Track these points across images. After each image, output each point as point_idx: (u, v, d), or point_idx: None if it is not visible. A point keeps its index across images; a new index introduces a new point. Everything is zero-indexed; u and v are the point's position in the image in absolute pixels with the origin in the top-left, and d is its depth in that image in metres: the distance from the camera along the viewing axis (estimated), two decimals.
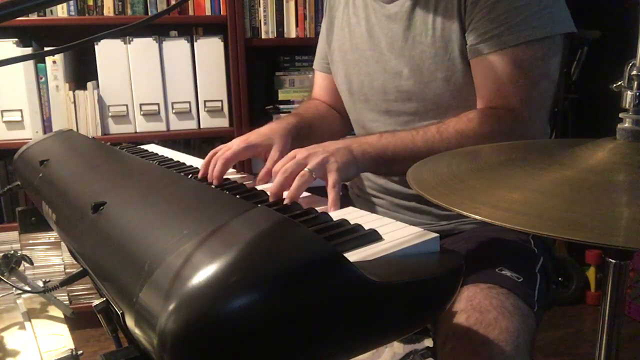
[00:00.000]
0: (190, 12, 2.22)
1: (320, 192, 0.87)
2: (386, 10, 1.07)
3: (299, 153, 0.87)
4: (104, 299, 0.65)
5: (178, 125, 2.24)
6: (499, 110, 0.96)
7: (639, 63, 0.60)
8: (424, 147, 0.94)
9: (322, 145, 0.90)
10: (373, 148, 0.94)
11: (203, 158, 1.09)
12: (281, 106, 2.32)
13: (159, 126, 2.22)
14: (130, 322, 0.53)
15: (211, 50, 2.21)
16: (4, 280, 1.12)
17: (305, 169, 0.84)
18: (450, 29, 0.99)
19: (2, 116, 2.10)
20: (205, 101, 2.24)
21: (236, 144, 0.99)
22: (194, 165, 1.06)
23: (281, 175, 0.83)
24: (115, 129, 2.20)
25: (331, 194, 0.82)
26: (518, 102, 0.95)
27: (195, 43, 2.19)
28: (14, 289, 1.09)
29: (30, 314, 1.21)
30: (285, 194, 0.82)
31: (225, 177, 0.95)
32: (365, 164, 0.93)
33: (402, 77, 1.05)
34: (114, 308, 0.58)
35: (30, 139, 2.08)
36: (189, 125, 2.25)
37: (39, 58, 2.13)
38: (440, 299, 0.61)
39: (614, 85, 0.63)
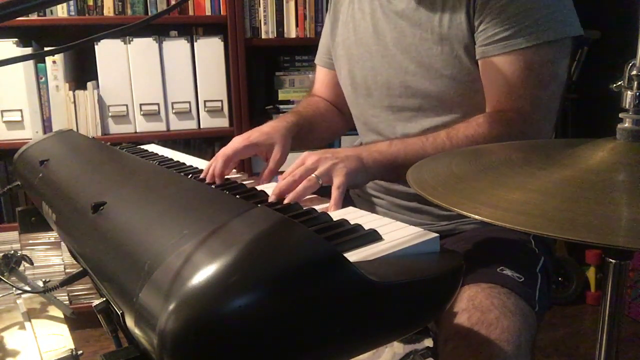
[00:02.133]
0: (190, 12, 2.22)
1: (321, 192, 0.87)
2: (393, 6, 1.07)
3: (309, 158, 0.87)
4: (104, 299, 0.65)
5: (178, 125, 2.24)
6: (508, 114, 0.96)
7: (639, 63, 0.60)
8: (434, 153, 0.93)
9: (332, 150, 0.90)
10: (383, 156, 0.93)
11: (203, 158, 1.09)
12: (281, 106, 2.32)
13: (159, 126, 2.22)
14: (130, 322, 0.53)
15: (211, 50, 2.21)
16: (4, 280, 1.12)
17: (313, 175, 0.84)
18: (458, 28, 0.98)
19: (2, 116, 2.10)
20: (205, 101, 2.24)
21: (237, 142, 0.99)
22: (194, 165, 1.06)
23: (290, 179, 0.83)
24: (115, 129, 2.20)
25: (335, 194, 0.82)
26: (528, 104, 0.95)
27: (195, 43, 2.19)
28: (14, 289, 1.09)
29: (30, 314, 1.21)
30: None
31: (225, 177, 0.96)
32: (375, 171, 0.93)
33: (408, 72, 1.05)
34: (114, 308, 0.58)
35: (30, 139, 2.08)
36: (189, 125, 2.25)
37: (39, 58, 2.13)
38: (440, 299, 0.61)
39: (614, 85, 0.63)
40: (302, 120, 1.14)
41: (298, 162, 0.88)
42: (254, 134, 1.02)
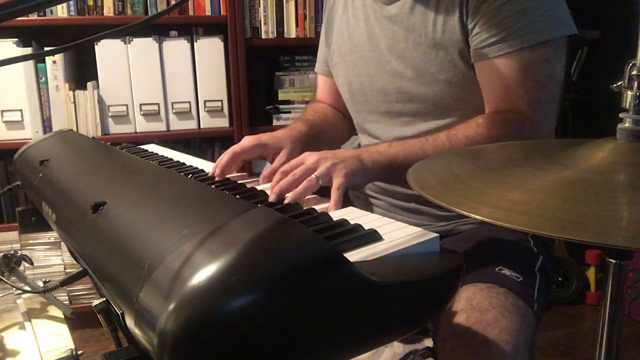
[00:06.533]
0: (190, 12, 2.22)
1: (320, 192, 0.87)
2: (386, 11, 1.07)
3: (309, 158, 0.87)
4: (104, 299, 0.65)
5: (178, 125, 2.24)
6: (507, 114, 0.96)
7: (639, 63, 0.60)
8: (434, 154, 0.93)
9: (333, 152, 0.90)
10: (383, 156, 0.94)
11: (203, 158, 1.09)
12: (281, 106, 2.32)
13: (159, 126, 2.22)
14: (130, 322, 0.53)
15: (211, 50, 2.21)
16: (4, 280, 1.12)
17: (313, 176, 0.83)
18: (452, 32, 0.98)
19: (2, 116, 2.10)
20: (205, 101, 2.24)
21: (247, 141, 1.00)
22: (194, 165, 1.06)
23: (290, 178, 0.83)
24: (115, 129, 2.20)
25: (334, 195, 0.82)
26: (526, 105, 0.95)
27: (195, 43, 2.19)
28: (14, 289, 1.09)
29: (30, 314, 1.21)
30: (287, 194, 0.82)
31: (227, 174, 0.96)
32: (374, 172, 0.93)
33: (404, 78, 1.05)
34: (114, 308, 0.58)
35: (30, 139, 2.08)
36: (189, 125, 2.25)
37: (39, 58, 2.13)
38: (440, 299, 0.61)
39: (614, 85, 0.63)
40: (312, 129, 1.14)
41: (297, 161, 0.88)
42: (264, 136, 1.03)
